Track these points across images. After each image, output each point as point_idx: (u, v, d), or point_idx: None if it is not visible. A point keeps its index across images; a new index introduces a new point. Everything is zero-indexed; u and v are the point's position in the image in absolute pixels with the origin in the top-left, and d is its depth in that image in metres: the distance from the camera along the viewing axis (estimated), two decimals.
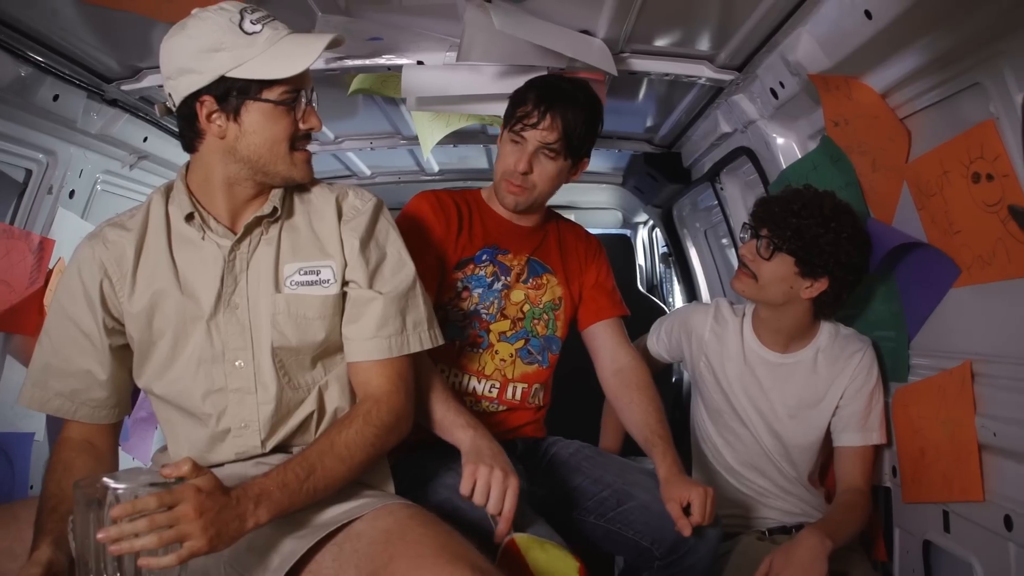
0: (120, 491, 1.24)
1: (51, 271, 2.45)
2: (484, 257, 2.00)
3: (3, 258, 2.28)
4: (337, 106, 2.78)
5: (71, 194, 2.50)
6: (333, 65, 2.27)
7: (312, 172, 1.61)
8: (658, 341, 2.37)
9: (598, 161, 3.77)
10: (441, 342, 1.70)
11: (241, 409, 1.58)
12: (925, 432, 1.92)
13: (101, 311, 1.57)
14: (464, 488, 1.61)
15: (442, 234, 1.95)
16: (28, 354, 2.36)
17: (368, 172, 3.75)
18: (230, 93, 1.47)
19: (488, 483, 1.61)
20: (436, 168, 3.73)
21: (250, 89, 1.47)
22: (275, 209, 1.58)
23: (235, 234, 1.57)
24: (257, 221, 1.58)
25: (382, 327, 1.60)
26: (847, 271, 2.00)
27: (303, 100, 1.53)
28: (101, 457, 1.60)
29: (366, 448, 1.51)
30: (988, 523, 1.70)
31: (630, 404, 2.03)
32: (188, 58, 1.45)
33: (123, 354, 1.62)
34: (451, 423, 1.76)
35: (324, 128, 2.94)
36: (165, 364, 1.58)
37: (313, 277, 1.60)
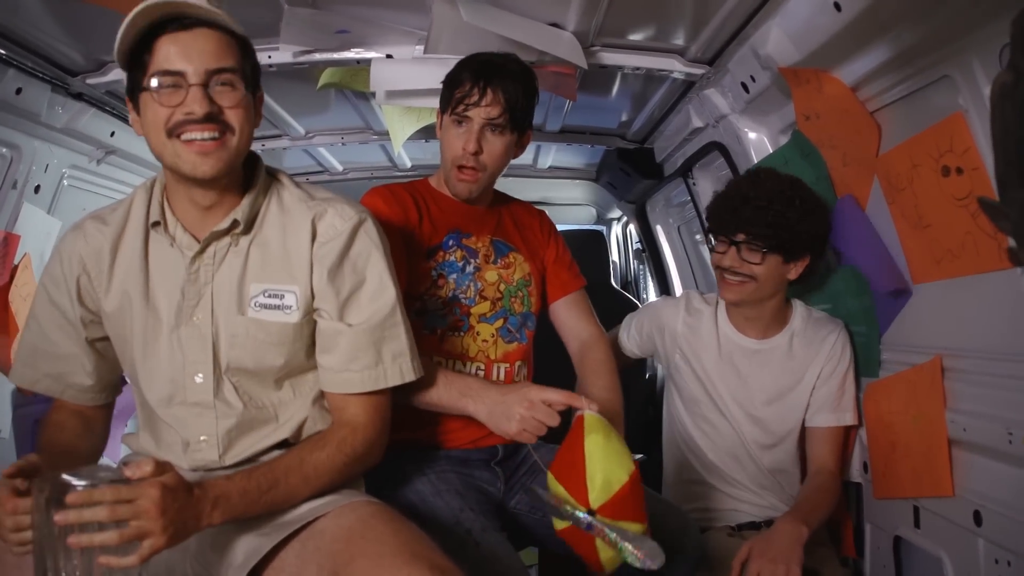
0: (80, 487, 1.21)
1: (16, 267, 2.41)
2: (451, 242, 1.97)
3: None
4: (307, 101, 2.75)
5: (36, 189, 2.46)
6: (301, 59, 2.23)
7: (205, 165, 1.40)
8: (629, 338, 2.36)
9: (571, 156, 3.76)
10: (423, 373, 1.64)
11: (200, 423, 1.54)
12: (896, 427, 1.92)
13: (79, 306, 1.56)
14: (521, 439, 1.68)
15: (403, 225, 1.92)
16: None
17: (340, 168, 3.72)
18: (132, 88, 1.41)
19: (530, 419, 1.65)
20: (409, 164, 3.70)
21: (139, 81, 1.38)
22: (235, 223, 1.49)
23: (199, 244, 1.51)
24: (216, 235, 1.50)
25: (353, 360, 1.53)
26: (822, 241, 2.06)
27: (184, 84, 1.36)
28: (92, 426, 1.62)
29: (332, 474, 1.47)
30: (958, 518, 1.70)
31: (584, 380, 2.02)
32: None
33: (103, 346, 1.61)
34: (450, 401, 1.76)
35: (295, 123, 2.97)
36: (138, 365, 1.56)
37: (276, 301, 1.52)
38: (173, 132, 1.38)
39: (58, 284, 1.56)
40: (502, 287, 2.01)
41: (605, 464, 1.52)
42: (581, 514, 1.51)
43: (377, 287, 1.55)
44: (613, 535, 1.48)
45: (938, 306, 1.81)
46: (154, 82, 1.36)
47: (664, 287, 3.87)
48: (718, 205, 2.10)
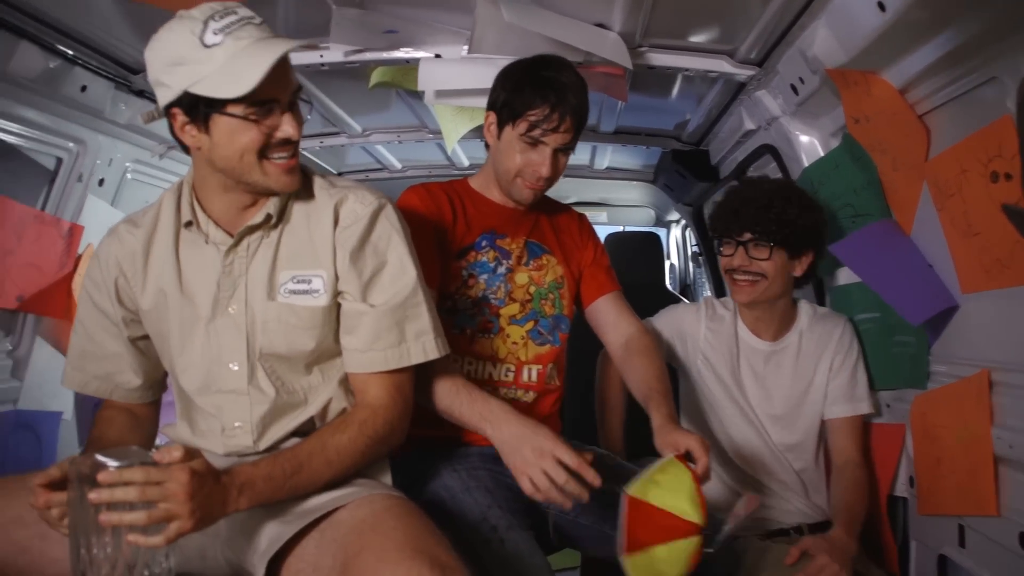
0: (113, 467, 1.25)
1: (80, 256, 2.51)
2: (484, 243, 1.98)
3: (34, 243, 2.35)
4: (363, 99, 2.78)
5: (100, 182, 2.56)
6: (352, 58, 2.26)
7: (293, 181, 1.52)
8: None
9: (628, 158, 3.74)
10: (448, 351, 1.66)
11: (235, 409, 1.59)
12: (941, 441, 1.86)
13: (119, 306, 1.63)
14: (532, 494, 1.60)
15: (436, 223, 1.93)
16: (57, 336, 2.46)
17: (399, 166, 3.76)
18: (197, 106, 1.42)
19: (545, 478, 1.57)
20: (467, 162, 3.72)
21: (215, 103, 1.40)
22: (268, 217, 1.55)
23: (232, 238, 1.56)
24: (249, 230, 1.56)
25: (376, 340, 1.57)
26: (822, 237, 2.11)
27: (277, 109, 1.44)
28: (141, 422, 1.70)
29: (355, 456, 1.51)
30: (1003, 540, 1.64)
31: (632, 369, 1.99)
32: (158, 71, 1.42)
33: (144, 344, 1.68)
34: (469, 419, 1.73)
35: (352, 121, 3.02)
36: (176, 357, 1.62)
37: (305, 286, 1.57)
38: (264, 154, 1.46)
39: (99, 287, 1.64)
40: (532, 289, 2.01)
41: (674, 500, 1.54)
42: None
43: (398, 268, 1.59)
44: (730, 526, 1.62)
45: (987, 318, 1.74)
46: (251, 110, 1.41)
47: (720, 292, 3.79)
48: (719, 212, 2.14)
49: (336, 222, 1.57)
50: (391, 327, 1.57)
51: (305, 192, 1.61)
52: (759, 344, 2.19)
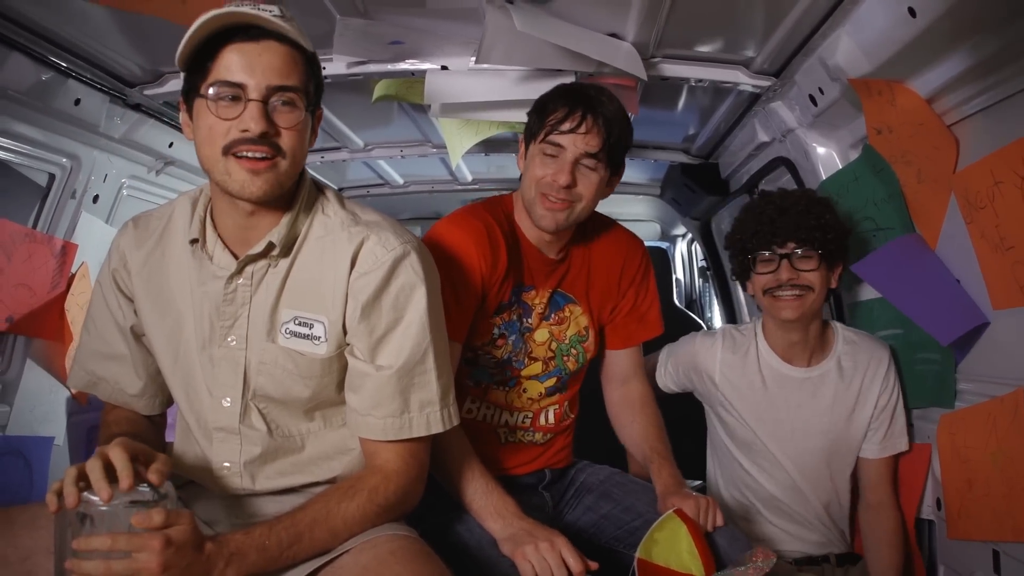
0: (97, 509, 1.19)
1: (73, 276, 2.44)
2: (513, 299, 1.88)
3: (25, 262, 2.27)
4: (365, 113, 2.72)
5: (95, 199, 2.49)
6: (355, 70, 2.20)
7: (254, 187, 1.35)
8: (665, 373, 2.28)
9: (635, 172, 3.68)
10: (456, 422, 1.53)
11: (223, 449, 1.50)
12: (973, 463, 1.79)
13: (122, 297, 1.56)
14: (528, 574, 1.55)
15: (487, 277, 1.80)
16: (49, 358, 2.38)
17: (401, 181, 3.70)
18: (188, 90, 1.37)
19: (542, 558, 1.54)
20: (470, 177, 3.65)
21: (195, 83, 1.34)
22: (270, 246, 1.42)
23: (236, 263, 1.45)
24: (252, 258, 1.43)
25: (376, 406, 1.44)
26: (848, 243, 2.02)
27: (243, 97, 1.31)
28: (144, 435, 1.55)
29: (365, 524, 1.39)
30: None
31: (631, 423, 2.00)
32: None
33: (147, 340, 1.59)
34: (480, 509, 1.67)
35: (353, 135, 2.96)
36: (167, 372, 1.55)
37: (305, 330, 1.44)
38: (228, 150, 1.33)
39: (107, 281, 1.57)
40: (553, 345, 1.94)
41: (673, 555, 1.63)
42: None
43: (415, 327, 1.44)
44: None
45: (1021, 334, 1.68)
46: (212, 91, 1.31)
47: (729, 307, 3.75)
48: (751, 225, 2.01)
49: (353, 264, 1.42)
50: (394, 395, 1.44)
51: (322, 223, 1.47)
52: (791, 371, 2.08)
